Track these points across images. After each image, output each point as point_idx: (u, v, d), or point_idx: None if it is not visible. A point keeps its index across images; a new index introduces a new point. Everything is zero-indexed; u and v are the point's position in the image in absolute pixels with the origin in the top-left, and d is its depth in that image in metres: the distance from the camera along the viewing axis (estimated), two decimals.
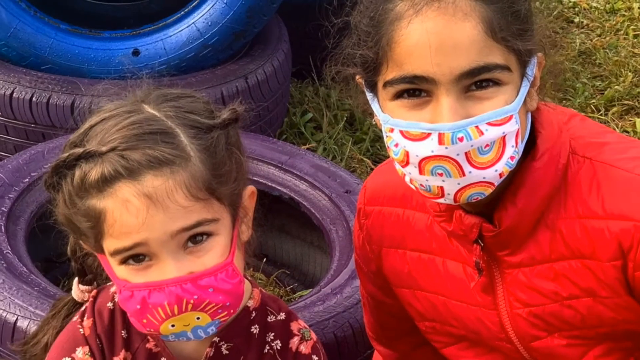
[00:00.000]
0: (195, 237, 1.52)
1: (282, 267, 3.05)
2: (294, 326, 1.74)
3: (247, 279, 1.70)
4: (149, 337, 1.68)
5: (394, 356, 2.09)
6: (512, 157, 1.55)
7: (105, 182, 1.49)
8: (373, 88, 1.61)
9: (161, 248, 1.50)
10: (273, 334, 1.71)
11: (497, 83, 1.52)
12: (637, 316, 1.64)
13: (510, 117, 1.53)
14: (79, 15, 3.60)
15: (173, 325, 1.55)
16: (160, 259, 1.52)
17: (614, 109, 4.20)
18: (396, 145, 1.57)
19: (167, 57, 3.40)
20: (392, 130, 1.57)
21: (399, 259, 1.83)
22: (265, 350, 1.70)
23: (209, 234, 1.54)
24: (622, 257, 1.58)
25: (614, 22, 5.09)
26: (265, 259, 3.02)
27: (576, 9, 5.26)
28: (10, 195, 2.62)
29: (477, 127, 1.51)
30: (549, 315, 1.68)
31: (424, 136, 1.52)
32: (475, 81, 1.51)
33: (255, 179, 2.77)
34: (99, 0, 3.81)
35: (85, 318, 1.70)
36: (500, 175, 1.55)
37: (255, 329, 1.70)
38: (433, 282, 1.79)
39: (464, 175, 1.53)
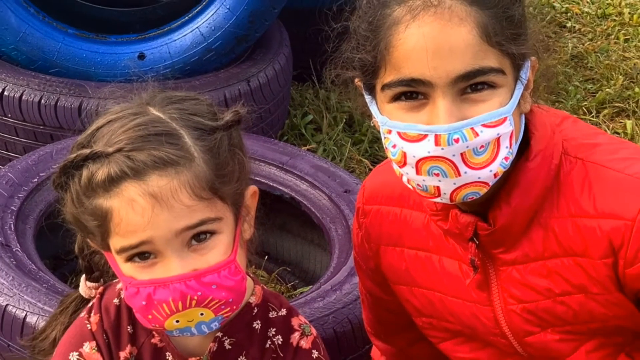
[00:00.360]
0: (199, 235, 1.52)
1: (283, 265, 3.05)
2: (295, 322, 1.74)
3: (249, 276, 1.70)
4: (154, 333, 1.68)
5: (392, 351, 2.09)
6: (506, 158, 1.55)
7: (112, 182, 1.49)
8: (371, 91, 1.61)
9: (166, 246, 1.50)
10: (274, 329, 1.71)
11: (491, 86, 1.52)
12: (627, 312, 1.64)
13: (505, 119, 1.53)
14: (86, 20, 3.59)
15: (177, 321, 1.55)
16: (165, 257, 1.52)
17: (605, 111, 4.20)
18: (394, 146, 1.57)
19: (171, 60, 3.40)
20: (390, 131, 1.57)
21: (397, 256, 1.83)
22: (267, 345, 1.70)
23: (212, 233, 1.54)
24: (613, 255, 1.58)
25: (605, 27, 5.09)
26: (266, 257, 3.02)
27: (568, 14, 5.26)
28: (20, 195, 2.62)
29: (472, 128, 1.51)
30: (542, 311, 1.68)
31: (421, 137, 1.52)
32: (471, 84, 1.51)
33: (257, 179, 2.77)
34: (106, 5, 3.81)
35: (92, 314, 1.70)
36: (495, 175, 1.55)
37: (257, 325, 1.70)
38: (430, 279, 1.79)
39: (459, 175, 1.53)
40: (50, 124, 3.17)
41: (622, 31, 5.03)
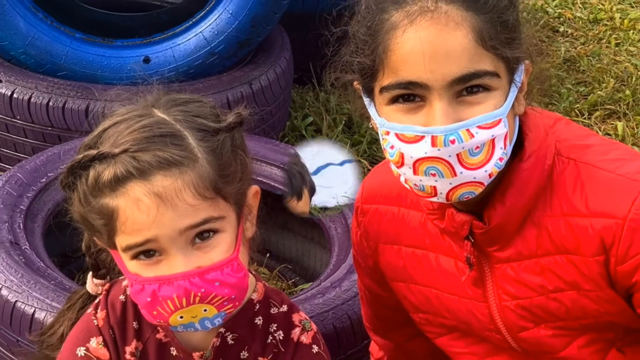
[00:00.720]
0: (202, 233, 1.52)
1: (284, 262, 3.05)
2: (296, 318, 1.73)
3: (251, 273, 1.70)
4: (158, 328, 1.68)
5: (390, 346, 2.09)
6: (500, 159, 1.55)
7: (118, 182, 1.49)
8: (370, 93, 1.61)
9: (170, 244, 1.50)
10: (276, 325, 1.71)
11: (486, 89, 1.52)
12: (618, 308, 1.64)
13: (499, 121, 1.53)
14: (93, 25, 3.60)
15: (181, 317, 1.55)
16: (170, 255, 1.51)
17: (597, 113, 4.20)
18: (392, 147, 1.57)
19: (176, 64, 3.40)
20: (388, 133, 1.57)
21: (395, 254, 1.83)
22: (269, 341, 1.70)
23: (215, 231, 1.54)
24: (605, 253, 1.58)
25: (597, 32, 5.09)
26: (268, 255, 3.02)
27: (561, 19, 5.26)
28: (29, 195, 2.62)
29: (468, 130, 1.51)
30: (535, 307, 1.68)
31: (418, 139, 1.52)
32: (466, 87, 1.51)
33: (259, 179, 2.77)
34: (112, 10, 3.81)
35: (99, 310, 1.70)
36: (490, 175, 1.55)
37: (259, 321, 1.70)
38: (426, 276, 1.79)
39: (455, 175, 1.53)
40: (58, 126, 3.17)
41: (614, 35, 5.02)
